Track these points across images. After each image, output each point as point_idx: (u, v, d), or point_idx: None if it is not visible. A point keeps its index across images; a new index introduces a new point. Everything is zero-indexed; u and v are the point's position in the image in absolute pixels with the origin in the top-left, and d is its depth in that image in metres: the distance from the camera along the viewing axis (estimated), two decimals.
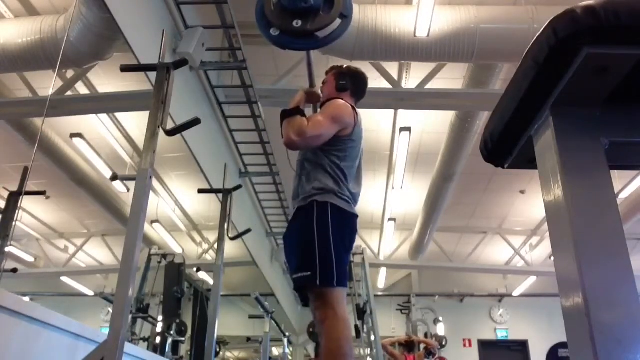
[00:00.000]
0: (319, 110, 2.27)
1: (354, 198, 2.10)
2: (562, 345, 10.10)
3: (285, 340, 7.55)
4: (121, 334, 1.49)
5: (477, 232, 9.24)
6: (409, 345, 6.94)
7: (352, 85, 2.30)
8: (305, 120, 2.01)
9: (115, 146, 5.97)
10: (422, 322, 9.15)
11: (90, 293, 10.03)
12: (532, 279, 9.87)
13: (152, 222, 7.62)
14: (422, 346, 7.16)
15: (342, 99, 2.18)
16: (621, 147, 0.71)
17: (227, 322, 9.24)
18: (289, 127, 1.99)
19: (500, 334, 10.92)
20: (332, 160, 2.04)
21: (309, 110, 2.27)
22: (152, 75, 1.93)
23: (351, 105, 2.16)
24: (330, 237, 1.89)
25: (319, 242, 1.88)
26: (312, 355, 9.42)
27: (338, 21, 1.87)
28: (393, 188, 7.17)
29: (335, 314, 1.82)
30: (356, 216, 2.07)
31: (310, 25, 1.81)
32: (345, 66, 2.37)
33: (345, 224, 1.99)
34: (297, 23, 1.81)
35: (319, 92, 2.26)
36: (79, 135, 5.43)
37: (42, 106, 3.74)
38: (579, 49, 0.62)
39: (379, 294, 10.48)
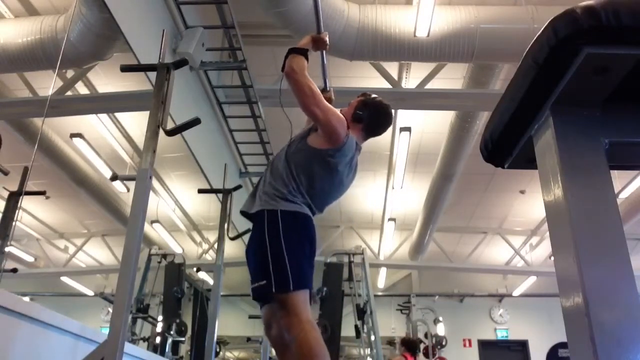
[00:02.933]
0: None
1: (310, 208, 2.05)
2: (562, 345, 10.10)
3: None
4: (121, 334, 1.49)
5: (477, 232, 9.24)
6: (410, 346, 6.93)
7: (368, 119, 2.18)
8: (306, 63, 1.99)
9: (115, 146, 5.97)
10: (422, 322, 9.15)
11: (90, 293, 10.03)
12: (532, 279, 9.87)
13: (152, 222, 7.62)
14: (422, 346, 7.16)
15: (349, 129, 2.09)
16: (621, 147, 0.71)
17: (227, 322, 9.24)
18: (294, 62, 1.96)
19: (500, 334, 10.91)
20: (298, 173, 2.00)
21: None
22: (152, 75, 1.93)
23: (348, 132, 2.05)
24: (281, 243, 1.87)
25: (271, 250, 1.87)
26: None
27: None
28: (393, 188, 7.17)
29: (300, 320, 1.81)
30: (310, 217, 2.03)
31: None
32: (375, 97, 2.25)
33: (300, 226, 1.97)
34: None
35: (326, 39, 2.20)
36: (79, 135, 5.42)
37: (42, 106, 3.74)
38: (579, 49, 0.62)
39: (379, 294, 10.48)
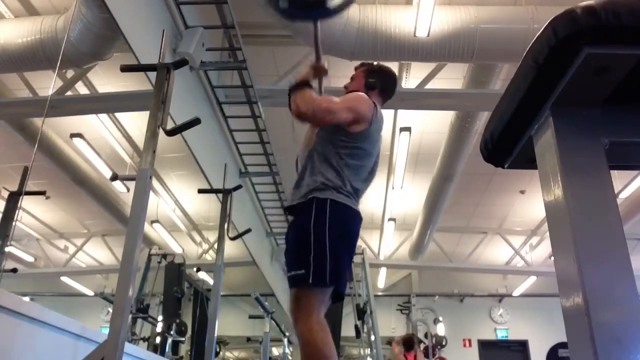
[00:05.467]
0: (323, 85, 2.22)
1: (357, 194, 2.04)
2: (562, 345, 10.10)
3: (285, 340, 7.55)
4: (121, 334, 1.49)
5: (477, 232, 9.24)
6: (408, 344, 6.93)
7: (381, 83, 2.23)
8: (315, 94, 1.95)
9: (115, 146, 5.98)
10: (422, 322, 9.15)
11: (90, 293, 10.03)
12: (532, 279, 9.87)
13: (152, 222, 7.62)
14: (422, 345, 7.16)
15: (368, 97, 2.12)
16: (621, 147, 0.71)
17: (227, 322, 9.24)
18: (298, 98, 1.92)
19: (500, 334, 10.91)
20: (342, 156, 1.98)
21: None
22: (152, 75, 1.93)
23: (374, 103, 2.08)
24: (326, 235, 1.83)
25: (315, 241, 1.83)
26: None
27: None
28: (393, 188, 7.17)
29: (310, 319, 1.79)
30: (358, 212, 2.00)
31: None
32: (376, 64, 2.31)
33: (346, 220, 1.94)
34: None
35: (326, 66, 2.17)
36: (79, 135, 5.42)
37: (42, 106, 3.74)
38: (579, 49, 0.62)
39: (379, 294, 10.48)
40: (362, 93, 2.08)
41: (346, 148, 1.99)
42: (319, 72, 2.15)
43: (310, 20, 1.91)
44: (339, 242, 1.87)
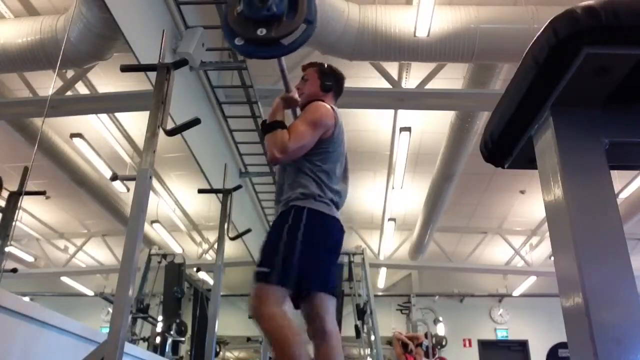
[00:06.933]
0: (298, 112, 2.26)
1: (340, 196, 2.09)
2: (562, 345, 10.09)
3: None
4: (121, 334, 1.49)
5: (477, 232, 9.24)
6: (405, 344, 6.91)
7: (335, 86, 2.29)
8: (286, 134, 1.98)
9: (115, 146, 5.98)
10: (422, 322, 9.15)
11: (90, 293, 10.04)
12: (532, 279, 9.87)
13: (152, 222, 7.62)
14: (424, 344, 7.14)
15: (324, 100, 2.18)
16: (621, 147, 0.71)
17: (227, 322, 9.24)
18: (270, 144, 1.98)
19: (500, 334, 10.92)
20: (314, 163, 2.03)
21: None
22: (152, 75, 1.93)
23: (331, 106, 2.14)
24: (298, 241, 1.88)
25: (286, 244, 1.88)
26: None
27: (303, 27, 1.85)
28: (393, 188, 7.17)
29: (271, 307, 1.83)
30: (338, 220, 2.05)
31: (275, 33, 1.75)
32: (326, 65, 2.34)
33: (323, 227, 1.99)
34: (261, 31, 1.77)
35: (296, 96, 2.21)
36: (79, 135, 5.43)
37: (42, 106, 3.74)
38: (579, 49, 0.62)
39: (379, 294, 10.48)
40: (319, 102, 2.12)
41: (317, 155, 2.04)
42: (290, 102, 2.19)
43: (267, 58, 1.92)
44: (313, 249, 1.92)
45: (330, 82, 2.26)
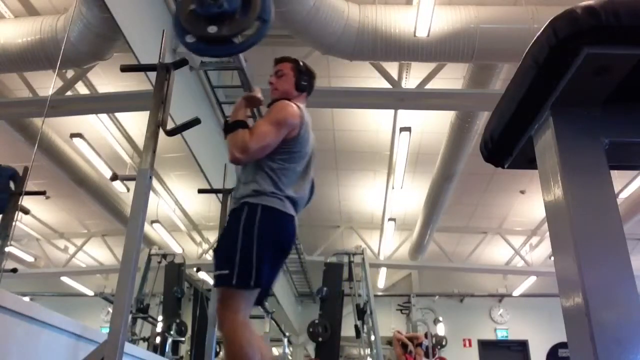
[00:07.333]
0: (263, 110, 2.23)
1: (299, 194, 2.06)
2: (562, 345, 10.10)
3: (285, 340, 7.56)
4: (121, 334, 1.49)
5: (477, 232, 9.24)
6: (405, 345, 6.91)
7: (309, 85, 2.24)
8: (247, 134, 1.95)
9: (115, 146, 5.97)
10: (422, 322, 9.15)
11: (90, 293, 10.03)
12: (532, 279, 9.87)
13: (152, 222, 7.62)
14: (424, 344, 7.13)
15: (296, 99, 2.15)
16: (621, 147, 0.71)
17: None
18: (231, 144, 1.95)
19: (500, 334, 10.92)
20: (276, 162, 2.00)
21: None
22: (152, 75, 1.93)
23: (297, 105, 2.09)
24: (254, 239, 1.86)
25: (242, 244, 1.86)
26: (312, 355, 9.42)
27: (257, 24, 1.81)
28: (393, 188, 7.17)
29: (235, 318, 1.81)
30: (292, 216, 2.02)
31: (226, 31, 1.73)
32: (302, 62, 2.28)
33: (277, 224, 1.96)
34: (212, 29, 1.73)
35: (259, 95, 2.16)
36: (79, 135, 5.43)
37: (42, 106, 3.74)
38: (579, 49, 0.62)
39: (379, 294, 10.48)
40: (286, 102, 2.08)
41: (280, 154, 2.01)
42: (252, 102, 2.15)
43: (219, 56, 1.89)
44: (268, 247, 1.91)
45: (305, 82, 2.22)
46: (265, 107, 2.16)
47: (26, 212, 3.29)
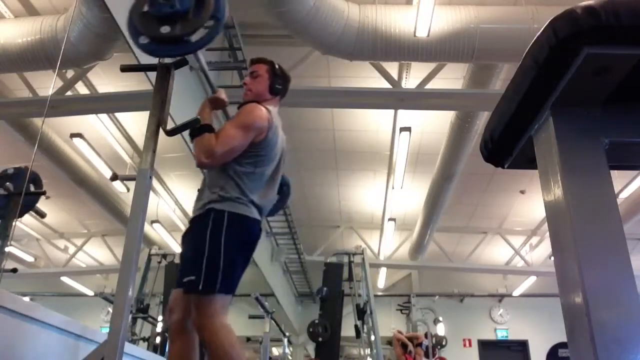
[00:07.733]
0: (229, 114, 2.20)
1: (265, 198, 2.04)
2: (562, 345, 10.09)
3: (285, 340, 7.56)
4: (121, 334, 1.49)
5: (477, 232, 9.24)
6: (405, 345, 6.90)
7: (282, 89, 2.22)
8: (213, 138, 1.92)
9: (115, 146, 5.98)
10: (422, 322, 9.15)
11: (90, 293, 10.04)
12: (532, 279, 9.87)
13: (152, 222, 7.62)
14: (424, 344, 7.13)
15: (268, 102, 2.13)
16: (621, 147, 0.71)
17: None
18: (197, 148, 1.93)
19: (500, 334, 10.92)
20: (243, 165, 1.98)
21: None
22: (152, 75, 1.93)
23: (266, 108, 2.06)
24: (221, 245, 1.85)
25: (209, 250, 1.85)
26: (312, 355, 9.42)
27: (210, 23, 1.81)
28: (393, 188, 7.17)
29: (212, 322, 1.81)
30: (258, 221, 2.01)
31: (179, 30, 1.71)
32: (277, 65, 2.25)
33: (243, 230, 1.95)
34: (164, 29, 1.70)
35: (222, 96, 2.13)
36: (79, 135, 5.43)
37: (42, 106, 3.75)
38: (579, 49, 0.62)
39: (379, 294, 10.48)
40: (254, 105, 2.06)
41: (247, 158, 1.99)
42: (217, 103, 2.13)
43: (173, 56, 1.87)
44: (234, 252, 1.90)
45: (280, 86, 2.19)
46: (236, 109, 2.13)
47: (43, 215, 3.33)
